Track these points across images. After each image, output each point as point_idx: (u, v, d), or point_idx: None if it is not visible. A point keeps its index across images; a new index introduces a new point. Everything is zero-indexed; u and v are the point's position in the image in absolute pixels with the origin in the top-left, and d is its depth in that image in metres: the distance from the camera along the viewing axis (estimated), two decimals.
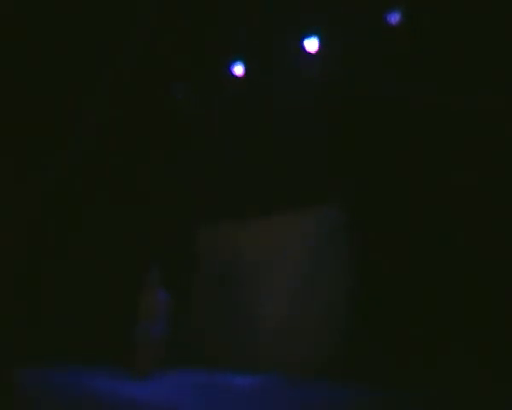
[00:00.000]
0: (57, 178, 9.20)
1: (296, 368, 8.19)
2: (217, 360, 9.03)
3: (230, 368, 8.62)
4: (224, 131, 9.74)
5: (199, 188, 9.97)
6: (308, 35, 8.25)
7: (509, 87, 6.98)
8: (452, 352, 6.63)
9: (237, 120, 9.58)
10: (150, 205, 9.99)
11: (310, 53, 8.30)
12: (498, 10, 7.01)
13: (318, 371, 7.84)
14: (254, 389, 7.21)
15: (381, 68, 7.86)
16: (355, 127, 8.08)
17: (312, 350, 8.22)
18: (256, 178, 9.27)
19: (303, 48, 8.31)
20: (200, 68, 9.39)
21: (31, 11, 8.32)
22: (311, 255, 8.68)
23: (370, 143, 7.89)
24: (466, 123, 7.06)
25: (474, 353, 6.46)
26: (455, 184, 7.04)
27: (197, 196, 9.98)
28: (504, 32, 6.98)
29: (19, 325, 8.33)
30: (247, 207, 9.40)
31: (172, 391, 7.04)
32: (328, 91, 8.29)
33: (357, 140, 8.05)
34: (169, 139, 10.12)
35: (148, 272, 8.38)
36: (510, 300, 6.56)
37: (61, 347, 8.64)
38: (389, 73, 7.80)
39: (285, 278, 8.91)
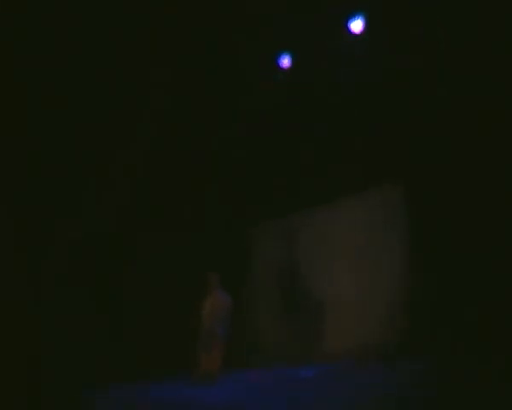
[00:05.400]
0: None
1: (358, 353, 8.31)
2: (280, 355, 9.23)
3: (294, 361, 8.77)
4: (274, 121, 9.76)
5: (252, 184, 10.21)
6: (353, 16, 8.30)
7: None
8: None
9: (286, 110, 9.62)
10: (204, 207, 10.21)
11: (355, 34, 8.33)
12: None
13: (380, 355, 7.97)
14: (320, 379, 7.33)
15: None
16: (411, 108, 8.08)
17: (374, 335, 8.36)
18: (310, 165, 9.42)
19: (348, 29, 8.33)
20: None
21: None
22: (369, 241, 8.77)
23: (429, 124, 7.85)
24: None
25: None
26: None
27: (250, 193, 10.22)
28: None
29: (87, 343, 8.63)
30: (301, 197, 9.59)
31: (241, 391, 7.16)
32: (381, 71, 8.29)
33: (412, 121, 8.05)
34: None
35: (208, 276, 8.51)
36: None
37: (126, 359, 8.88)
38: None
39: (345, 265, 9.04)
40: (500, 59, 7.16)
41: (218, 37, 9.29)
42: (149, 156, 9.59)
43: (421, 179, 8.06)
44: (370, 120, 8.65)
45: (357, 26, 8.31)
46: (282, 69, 9.30)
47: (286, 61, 9.23)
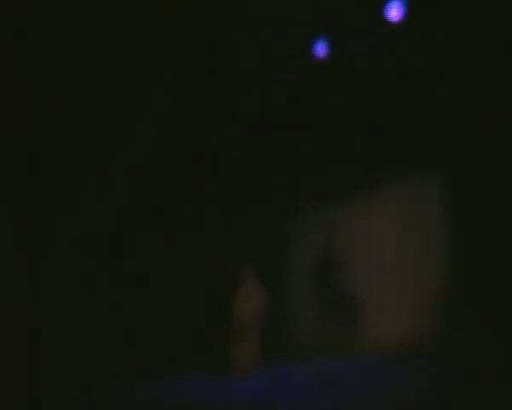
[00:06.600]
0: None
1: (396, 345, 8.26)
2: (315, 347, 9.20)
3: (329, 353, 8.81)
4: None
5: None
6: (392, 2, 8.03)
7: None
8: None
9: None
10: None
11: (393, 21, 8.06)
12: None
13: (417, 347, 7.90)
14: (351, 375, 7.29)
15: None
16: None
17: (411, 327, 8.28)
18: (345, 153, 9.38)
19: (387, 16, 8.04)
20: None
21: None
22: (408, 229, 8.67)
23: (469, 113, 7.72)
24: None
25: None
26: None
27: (284, 182, 10.10)
28: None
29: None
30: (338, 184, 9.55)
31: (275, 386, 7.14)
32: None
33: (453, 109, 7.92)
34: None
35: (242, 268, 8.53)
36: None
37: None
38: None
39: (382, 254, 8.93)
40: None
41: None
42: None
43: (464, 169, 7.93)
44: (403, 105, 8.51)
45: (394, 12, 7.98)
46: (318, 58, 8.95)
47: (322, 49, 8.83)
